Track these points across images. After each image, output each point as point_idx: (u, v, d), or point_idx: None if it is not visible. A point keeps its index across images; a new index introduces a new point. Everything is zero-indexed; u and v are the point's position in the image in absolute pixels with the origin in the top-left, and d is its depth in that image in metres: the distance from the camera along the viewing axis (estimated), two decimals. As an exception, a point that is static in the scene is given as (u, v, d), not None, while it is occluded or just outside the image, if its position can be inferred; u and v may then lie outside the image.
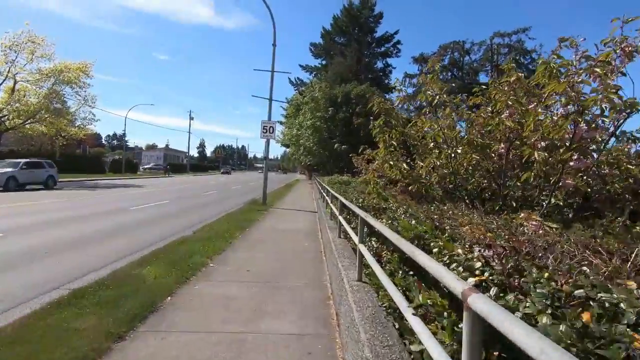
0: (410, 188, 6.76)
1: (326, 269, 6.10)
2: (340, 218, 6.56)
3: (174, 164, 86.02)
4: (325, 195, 12.27)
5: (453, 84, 32.76)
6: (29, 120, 32.35)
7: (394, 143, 7.08)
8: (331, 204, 8.77)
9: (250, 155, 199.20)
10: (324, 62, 52.33)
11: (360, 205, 5.56)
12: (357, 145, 32.13)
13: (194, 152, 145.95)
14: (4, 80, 30.63)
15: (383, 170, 7.13)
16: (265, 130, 16.41)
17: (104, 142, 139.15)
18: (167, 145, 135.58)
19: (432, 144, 6.30)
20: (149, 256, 6.36)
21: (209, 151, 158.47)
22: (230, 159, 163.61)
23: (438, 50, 33.68)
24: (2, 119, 30.59)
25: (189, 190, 25.23)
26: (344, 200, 6.28)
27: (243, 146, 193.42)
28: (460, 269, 1.99)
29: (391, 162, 6.91)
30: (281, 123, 48.08)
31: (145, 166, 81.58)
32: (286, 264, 6.39)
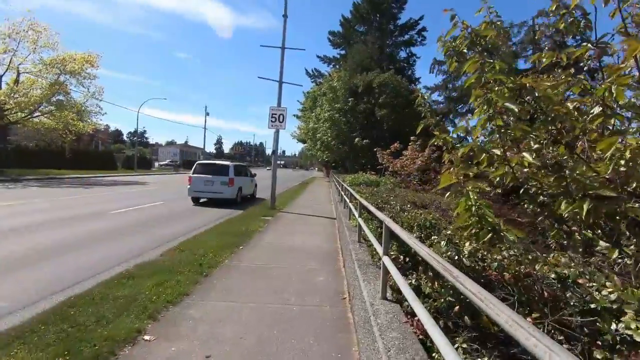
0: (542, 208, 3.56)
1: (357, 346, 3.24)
2: (390, 266, 3.29)
3: (190, 160, 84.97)
4: (347, 199, 9.38)
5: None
6: (35, 113, 30.95)
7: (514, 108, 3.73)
8: (359, 219, 5.81)
9: (268, 151, 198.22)
10: (343, 52, 49.18)
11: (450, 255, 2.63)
12: (379, 139, 29.03)
13: (211, 149, 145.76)
14: (5, 71, 29.19)
15: (467, 168, 3.81)
16: (273, 119, 13.66)
17: (125, 138, 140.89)
18: (185, 142, 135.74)
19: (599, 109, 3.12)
20: (27, 326, 3.68)
21: (227, 148, 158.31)
22: (248, 155, 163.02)
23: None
24: (5, 112, 29.03)
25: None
26: (402, 235, 3.10)
27: (261, 143, 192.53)
28: None
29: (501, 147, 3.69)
30: (297, 117, 45.35)
31: (161, 162, 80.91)
32: (284, 336, 3.56)
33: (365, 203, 5.00)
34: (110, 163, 48.71)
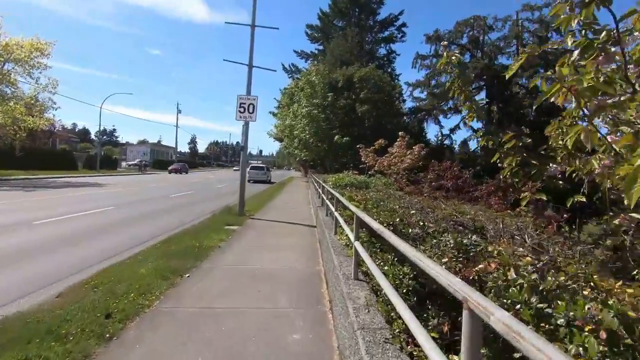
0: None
1: None
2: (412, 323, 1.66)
3: (162, 160, 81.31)
4: (330, 206, 7.43)
5: (469, 67, 28.10)
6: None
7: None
8: (358, 246, 3.76)
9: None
10: (321, 48, 47.38)
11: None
12: (360, 137, 27.28)
13: (185, 148, 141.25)
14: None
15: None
16: (242, 109, 11.61)
17: (93, 137, 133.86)
18: (158, 141, 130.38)
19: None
20: None
21: (202, 147, 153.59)
22: (224, 155, 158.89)
23: (455, 26, 28.97)
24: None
25: (157, 191, 20.37)
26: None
27: (238, 142, 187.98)
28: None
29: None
30: (274, 115, 43.19)
31: (130, 162, 76.50)
32: None
33: (375, 225, 3.07)
34: (70, 163, 44.79)
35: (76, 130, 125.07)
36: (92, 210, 11.60)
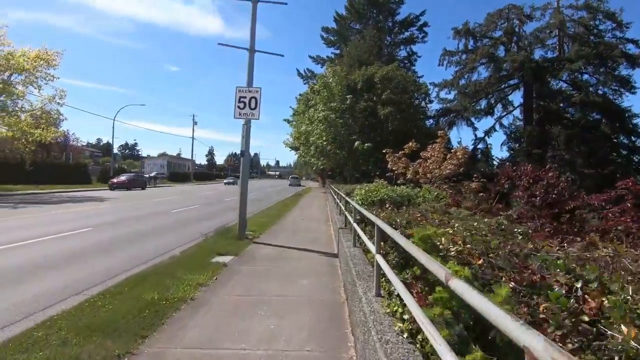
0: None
1: None
2: None
3: (178, 172, 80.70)
4: (368, 243, 4.66)
5: (506, 63, 24.96)
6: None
7: None
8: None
9: (263, 163, 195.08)
10: (337, 52, 45.21)
11: None
12: (383, 142, 24.54)
13: (203, 160, 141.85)
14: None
15: None
16: (242, 104, 9.24)
17: (115, 151, 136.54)
18: (178, 154, 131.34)
19: None
20: None
21: (220, 159, 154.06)
22: (249, 168, 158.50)
23: (487, 18, 25.95)
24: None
25: (160, 206, 18.26)
26: None
27: (256, 154, 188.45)
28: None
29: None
30: (288, 122, 41.06)
31: (148, 175, 76.07)
32: None
33: None
34: (83, 177, 43.90)
35: (100, 144, 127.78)
36: (67, 233, 9.45)
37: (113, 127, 46.08)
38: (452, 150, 12.72)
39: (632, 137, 22.62)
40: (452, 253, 2.25)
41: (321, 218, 14.77)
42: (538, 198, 6.00)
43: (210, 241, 8.56)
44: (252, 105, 9.25)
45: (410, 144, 13.98)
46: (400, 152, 14.02)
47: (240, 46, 9.80)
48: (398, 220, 3.55)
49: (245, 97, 9.27)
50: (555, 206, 5.74)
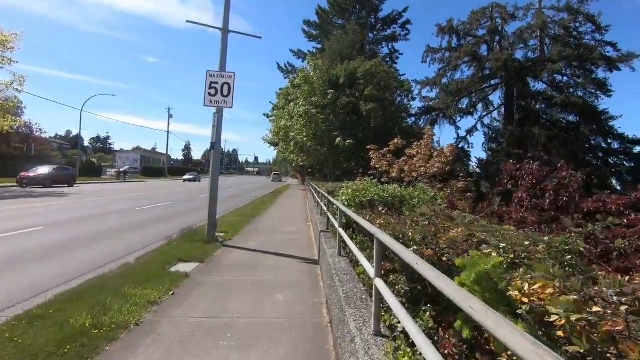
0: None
1: None
2: None
3: (152, 167, 77.73)
4: (368, 267, 3.81)
5: (489, 62, 24.77)
6: None
7: None
8: None
9: (242, 159, 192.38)
10: (319, 46, 44.26)
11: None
12: (365, 139, 23.72)
13: (179, 155, 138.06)
14: None
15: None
16: (213, 90, 8.22)
17: (86, 144, 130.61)
18: (153, 148, 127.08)
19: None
20: None
21: (198, 154, 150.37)
22: (220, 162, 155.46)
23: (470, 16, 25.64)
24: None
25: (126, 203, 16.87)
26: None
27: (234, 150, 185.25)
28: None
29: None
30: (268, 117, 39.89)
31: (120, 169, 72.78)
32: None
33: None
34: (46, 170, 41.03)
35: (70, 137, 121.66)
36: (11, 233, 8.21)
37: (80, 118, 43.50)
38: (437, 149, 12.13)
39: (609, 140, 22.99)
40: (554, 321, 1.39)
41: (300, 217, 13.89)
42: (547, 200, 5.35)
43: (174, 245, 7.52)
44: (225, 92, 8.24)
45: (396, 140, 13.30)
46: (385, 149, 13.32)
47: (213, 25, 8.74)
48: (410, 234, 2.70)
49: (217, 83, 8.25)
50: (566, 210, 5.11)
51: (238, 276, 5.67)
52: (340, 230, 4.49)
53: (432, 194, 5.73)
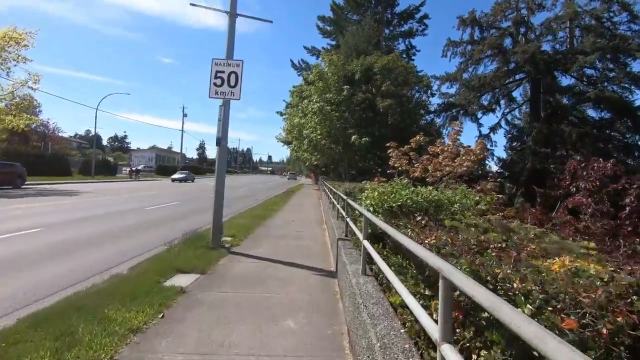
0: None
1: None
2: None
3: (167, 166, 78.40)
4: (390, 277, 2.92)
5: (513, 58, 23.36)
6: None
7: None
8: None
9: (256, 158, 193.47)
10: (334, 43, 43.27)
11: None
12: (381, 137, 22.69)
13: (194, 154, 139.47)
14: None
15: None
16: (219, 80, 7.42)
17: (104, 143, 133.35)
18: (169, 147, 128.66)
19: None
20: None
21: (212, 153, 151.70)
22: (233, 161, 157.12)
23: (494, 6, 24.19)
24: None
25: (137, 202, 16.40)
26: None
27: (248, 149, 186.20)
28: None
29: None
30: (281, 114, 39.20)
31: (134, 168, 73.61)
32: None
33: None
34: (62, 168, 41.43)
35: (89, 136, 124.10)
36: (11, 234, 7.63)
37: (96, 116, 43.75)
38: (464, 146, 11.08)
39: (646, 137, 21.34)
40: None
41: (314, 219, 13.04)
42: (628, 208, 4.33)
43: (175, 251, 6.75)
44: (232, 83, 7.44)
45: (418, 137, 12.28)
46: (405, 147, 12.32)
47: (219, 8, 7.95)
48: (504, 273, 1.71)
49: (223, 72, 7.45)
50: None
51: (242, 292, 4.84)
52: (366, 244, 3.60)
53: (477, 198, 4.75)
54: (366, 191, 5.07)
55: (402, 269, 2.77)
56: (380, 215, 4.04)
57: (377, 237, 3.91)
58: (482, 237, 2.49)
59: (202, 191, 26.02)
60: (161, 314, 3.96)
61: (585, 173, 5.42)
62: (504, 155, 28.47)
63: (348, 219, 5.72)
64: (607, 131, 22.01)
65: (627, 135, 21.83)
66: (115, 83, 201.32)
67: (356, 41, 29.60)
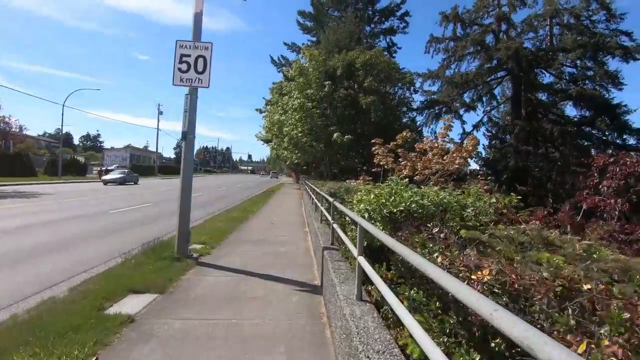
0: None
1: None
2: None
3: (141, 165, 75.45)
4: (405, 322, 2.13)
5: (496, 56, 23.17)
6: None
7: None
8: None
9: (236, 157, 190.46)
10: (314, 39, 42.41)
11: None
12: (364, 135, 21.86)
13: (171, 154, 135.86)
14: None
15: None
16: (184, 66, 6.44)
17: (76, 142, 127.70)
18: (145, 147, 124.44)
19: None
20: None
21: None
22: (212, 161, 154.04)
23: (476, 3, 23.95)
24: None
25: (101, 205, 15.03)
26: None
27: (228, 148, 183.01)
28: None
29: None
30: (260, 112, 38.07)
31: (108, 167, 70.43)
32: None
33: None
34: (26, 168, 38.79)
35: (59, 135, 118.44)
36: None
37: (62, 113, 41.38)
38: (454, 143, 10.49)
39: (624, 135, 21.56)
40: None
41: (295, 221, 12.17)
42: None
43: (131, 264, 5.74)
44: (200, 68, 6.47)
45: (404, 133, 11.59)
46: (392, 143, 11.62)
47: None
48: None
49: (189, 56, 6.47)
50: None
51: (207, 319, 3.93)
52: (363, 262, 2.77)
53: (492, 200, 4.00)
54: (359, 193, 4.24)
55: (422, 305, 1.97)
56: (378, 224, 3.24)
57: (375, 252, 3.09)
58: (557, 268, 1.69)
59: (176, 192, 24.62)
60: (94, 357, 3.01)
61: (615, 169, 4.77)
62: (483, 153, 28.48)
63: (335, 225, 4.89)
64: (588, 129, 22.18)
65: (607, 133, 22.07)
66: (88, 80, 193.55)
67: (337, 37, 28.84)
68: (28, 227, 9.17)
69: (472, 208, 3.50)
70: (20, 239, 7.66)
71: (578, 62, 23.46)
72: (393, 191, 3.61)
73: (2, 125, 42.83)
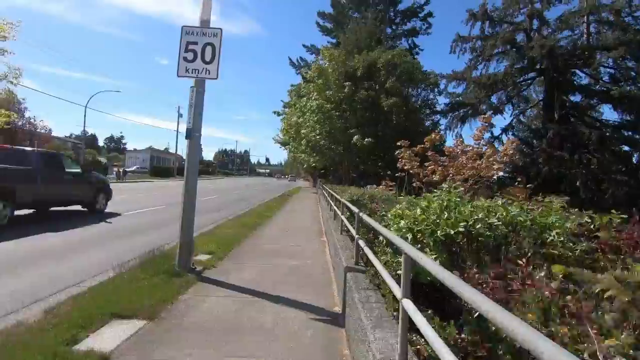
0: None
1: None
2: None
3: (161, 167, 76.54)
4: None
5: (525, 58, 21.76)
6: None
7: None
8: None
9: (254, 160, 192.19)
10: (334, 41, 41.72)
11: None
12: (385, 138, 20.90)
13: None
14: None
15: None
16: (190, 55, 5.73)
17: (100, 144, 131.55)
18: (165, 149, 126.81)
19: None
20: None
21: (210, 155, 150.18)
22: (230, 163, 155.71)
23: (505, 0, 22.68)
24: None
25: (115, 206, 14.61)
26: None
27: (246, 151, 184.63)
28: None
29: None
30: (278, 114, 37.53)
31: (128, 169, 71.71)
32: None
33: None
34: (49, 168, 39.46)
35: (85, 136, 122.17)
36: None
37: (85, 114, 42.09)
38: (492, 145, 9.41)
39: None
40: None
41: (312, 229, 11.32)
42: None
43: (124, 279, 5.01)
44: (207, 58, 5.73)
45: (433, 135, 10.60)
46: (418, 146, 10.64)
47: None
48: None
49: (195, 44, 5.75)
50: None
51: (201, 358, 3.11)
52: (411, 309, 1.90)
53: (585, 219, 3.00)
54: (397, 206, 3.32)
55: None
56: (429, 250, 2.37)
57: (421, 288, 2.20)
58: None
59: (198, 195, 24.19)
60: None
61: None
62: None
63: (361, 242, 4.00)
64: (629, 133, 20.50)
65: (651, 138, 20.34)
66: (113, 83, 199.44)
67: (357, 37, 27.98)
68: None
69: (554, 233, 2.51)
70: (42, 240, 7.11)
71: (618, 61, 21.78)
72: (445, 204, 2.69)
73: (27, 126, 44.02)
